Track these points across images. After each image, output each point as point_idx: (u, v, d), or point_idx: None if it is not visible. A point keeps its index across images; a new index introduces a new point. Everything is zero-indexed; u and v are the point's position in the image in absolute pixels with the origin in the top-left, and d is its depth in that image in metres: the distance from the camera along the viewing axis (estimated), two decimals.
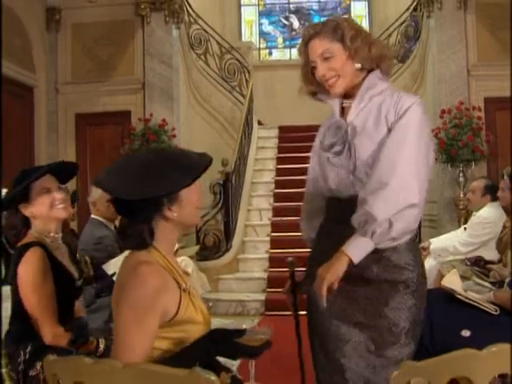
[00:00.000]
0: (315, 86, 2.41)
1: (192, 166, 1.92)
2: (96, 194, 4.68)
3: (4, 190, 4.82)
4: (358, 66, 2.27)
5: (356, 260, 2.03)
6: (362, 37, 2.26)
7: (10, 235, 2.70)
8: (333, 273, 2.02)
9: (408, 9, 10.01)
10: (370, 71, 2.31)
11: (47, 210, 2.65)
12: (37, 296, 2.51)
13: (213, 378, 1.33)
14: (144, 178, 1.85)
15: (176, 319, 1.82)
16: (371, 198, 2.07)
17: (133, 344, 1.71)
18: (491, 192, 5.40)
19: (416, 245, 2.34)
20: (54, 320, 2.54)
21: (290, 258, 2.69)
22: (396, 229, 2.03)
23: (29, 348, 2.50)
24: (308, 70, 2.37)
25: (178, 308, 1.82)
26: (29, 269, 2.53)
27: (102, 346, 2.59)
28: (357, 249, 2.05)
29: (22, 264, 2.54)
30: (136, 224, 1.88)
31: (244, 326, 1.91)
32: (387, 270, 2.17)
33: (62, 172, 2.80)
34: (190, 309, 1.87)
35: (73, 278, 2.75)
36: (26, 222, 2.68)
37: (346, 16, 2.74)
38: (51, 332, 2.51)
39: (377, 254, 2.12)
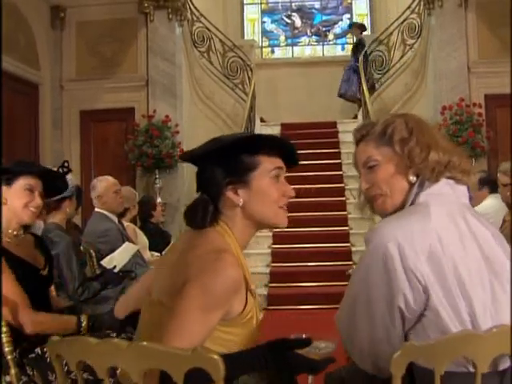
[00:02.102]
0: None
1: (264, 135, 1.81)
2: (101, 187, 4.73)
3: None
4: (413, 179, 1.77)
5: None
6: (419, 138, 1.77)
7: None
8: None
9: (409, 7, 10.06)
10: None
11: (20, 206, 2.58)
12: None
13: (216, 357, 1.31)
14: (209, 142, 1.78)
15: (236, 321, 1.64)
16: None
17: (191, 331, 1.53)
18: (488, 184, 5.41)
19: None
20: (27, 308, 2.45)
21: (350, 271, 2.55)
22: None
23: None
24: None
25: (243, 311, 1.64)
26: None
27: (84, 322, 2.51)
28: None
29: None
30: (201, 195, 1.75)
31: (304, 336, 1.64)
32: None
33: (51, 182, 2.74)
34: (251, 314, 1.67)
35: (35, 268, 2.66)
36: None
37: (407, 113, 1.92)
38: (29, 320, 2.42)
39: None
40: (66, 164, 2.88)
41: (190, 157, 1.82)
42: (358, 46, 11.36)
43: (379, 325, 1.66)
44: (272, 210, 1.74)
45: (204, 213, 1.70)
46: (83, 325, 2.50)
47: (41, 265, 2.72)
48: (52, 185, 2.76)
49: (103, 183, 4.75)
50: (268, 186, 1.73)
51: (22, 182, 2.58)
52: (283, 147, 1.80)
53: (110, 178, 4.85)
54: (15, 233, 2.64)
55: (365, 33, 13.06)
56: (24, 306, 2.45)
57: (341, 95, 11.24)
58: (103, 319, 2.49)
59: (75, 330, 2.49)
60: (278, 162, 1.77)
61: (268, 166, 1.73)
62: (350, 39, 13.63)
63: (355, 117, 11.01)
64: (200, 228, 1.71)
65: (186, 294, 1.55)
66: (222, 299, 1.56)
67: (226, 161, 1.72)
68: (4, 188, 2.58)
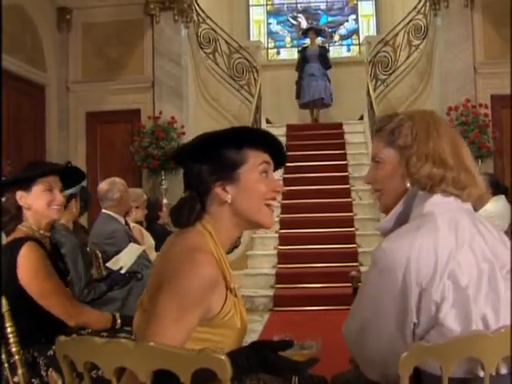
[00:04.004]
0: None
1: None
2: (121, 190, 4.71)
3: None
4: (408, 185, 1.79)
5: None
6: (420, 147, 1.75)
7: (2, 221, 2.64)
8: None
9: (415, 7, 10.05)
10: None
11: (44, 207, 2.62)
12: (50, 284, 2.50)
13: (223, 357, 1.30)
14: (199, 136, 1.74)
15: (214, 320, 1.59)
16: None
17: (169, 335, 1.49)
18: (490, 186, 5.36)
19: None
20: (74, 301, 2.57)
21: (353, 272, 2.47)
22: None
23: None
24: None
25: (221, 309, 1.60)
26: (31, 262, 2.48)
27: (118, 320, 2.62)
28: None
29: (22, 259, 2.48)
30: (189, 192, 1.71)
31: (287, 337, 1.62)
32: None
33: (68, 176, 2.79)
34: (232, 313, 1.63)
35: (64, 274, 2.72)
36: (19, 212, 2.64)
37: (425, 110, 1.93)
38: (76, 311, 2.53)
39: None
40: (69, 164, 2.94)
41: (177, 156, 1.81)
42: (324, 54, 11.61)
43: (389, 341, 1.65)
44: (257, 205, 1.70)
45: (190, 210, 1.68)
46: (118, 322, 2.63)
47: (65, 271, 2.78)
48: (69, 178, 2.81)
49: (120, 186, 4.75)
50: (255, 181, 1.69)
51: (40, 185, 2.63)
52: (268, 142, 1.76)
53: (121, 180, 4.85)
54: (46, 234, 2.70)
55: (371, 33, 13.09)
56: (70, 299, 2.55)
57: (314, 100, 11.33)
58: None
59: (109, 327, 2.61)
60: (265, 157, 1.74)
61: (255, 161, 1.70)
62: (356, 40, 13.63)
63: (361, 118, 11.01)
64: (184, 226, 1.70)
65: (161, 298, 1.53)
66: (198, 299, 1.53)
67: (213, 157, 1.69)
68: (24, 194, 2.62)
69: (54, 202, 2.64)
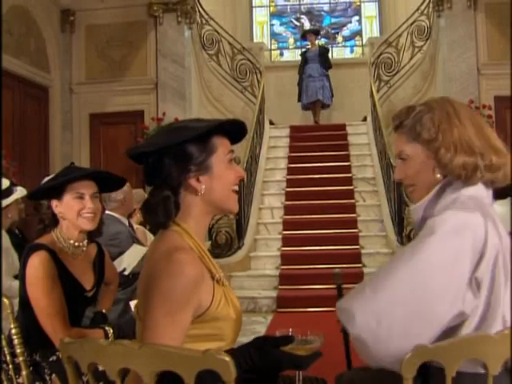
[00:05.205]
0: None
1: (220, 120, 1.74)
2: (125, 191, 4.71)
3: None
4: (439, 176, 1.79)
5: None
6: (446, 137, 1.75)
7: (35, 230, 2.59)
8: None
9: (418, 9, 10.05)
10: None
11: (73, 215, 2.53)
12: (46, 301, 2.41)
13: (227, 358, 1.30)
14: (165, 132, 1.76)
15: (207, 314, 1.62)
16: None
17: (165, 339, 1.51)
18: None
19: None
20: (66, 324, 2.44)
21: (336, 270, 2.44)
22: None
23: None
24: None
25: (212, 301, 1.62)
26: (36, 273, 2.42)
27: (110, 334, 2.53)
28: None
29: (29, 267, 2.43)
30: (160, 191, 1.68)
31: (290, 333, 1.64)
32: None
33: (106, 181, 2.68)
34: (223, 303, 1.66)
35: (82, 288, 2.61)
36: (55, 220, 2.58)
37: (442, 98, 1.90)
38: (66, 337, 2.42)
39: None
40: (72, 165, 2.87)
41: (142, 151, 1.74)
42: (325, 53, 11.56)
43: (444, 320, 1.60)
44: (226, 193, 1.74)
45: (166, 212, 1.67)
46: (110, 336, 2.52)
47: (89, 285, 2.66)
48: (108, 183, 2.72)
49: (124, 187, 4.75)
50: (225, 170, 1.72)
51: (70, 193, 2.54)
52: (230, 126, 1.77)
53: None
54: (76, 244, 2.61)
55: (374, 35, 13.07)
56: (62, 323, 2.43)
57: (314, 102, 11.30)
58: (127, 327, 2.53)
59: None
60: (229, 144, 1.77)
61: (224, 150, 1.73)
62: (359, 41, 13.62)
63: (364, 119, 11.00)
64: (163, 227, 1.70)
65: (151, 304, 1.55)
66: (186, 298, 1.55)
67: (182, 149, 1.68)
68: (57, 203, 2.55)
69: (83, 210, 2.53)
